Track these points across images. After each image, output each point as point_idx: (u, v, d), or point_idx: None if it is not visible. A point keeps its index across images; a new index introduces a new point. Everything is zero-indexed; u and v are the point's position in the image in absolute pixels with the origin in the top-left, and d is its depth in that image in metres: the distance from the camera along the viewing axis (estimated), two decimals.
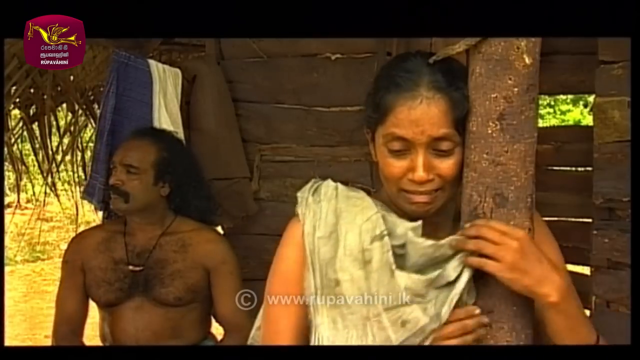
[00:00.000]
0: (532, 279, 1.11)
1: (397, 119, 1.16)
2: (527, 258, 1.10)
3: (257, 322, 1.43)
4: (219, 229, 2.61)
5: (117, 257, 2.20)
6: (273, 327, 1.28)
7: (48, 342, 2.40)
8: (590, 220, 1.87)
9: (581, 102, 8.84)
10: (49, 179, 3.33)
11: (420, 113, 1.14)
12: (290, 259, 1.27)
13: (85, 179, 3.47)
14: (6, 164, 3.19)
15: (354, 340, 1.18)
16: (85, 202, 3.51)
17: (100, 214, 2.61)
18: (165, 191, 2.23)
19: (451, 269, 1.15)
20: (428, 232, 1.23)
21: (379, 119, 1.20)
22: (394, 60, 1.29)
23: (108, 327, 2.22)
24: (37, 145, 3.27)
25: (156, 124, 2.43)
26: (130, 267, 2.18)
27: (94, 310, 2.29)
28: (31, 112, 3.19)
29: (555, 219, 2.12)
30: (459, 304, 1.15)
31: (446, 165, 1.17)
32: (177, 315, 2.19)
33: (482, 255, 1.12)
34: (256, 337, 1.42)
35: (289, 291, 1.26)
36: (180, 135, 2.50)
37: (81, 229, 3.10)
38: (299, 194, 1.29)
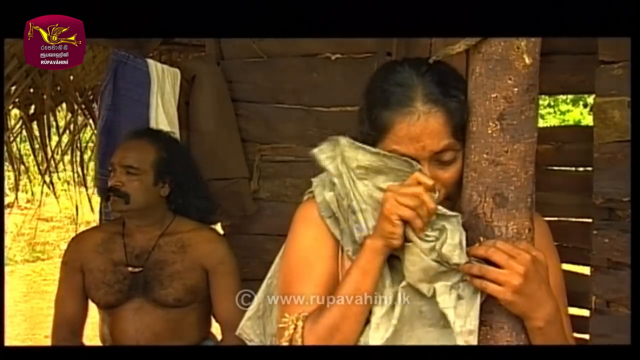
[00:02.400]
0: (529, 304, 1.12)
1: (396, 137, 1.16)
2: (529, 284, 1.11)
3: (248, 312, 1.43)
4: (219, 228, 2.61)
5: (116, 258, 2.20)
6: (296, 309, 1.25)
7: (48, 342, 2.40)
8: (590, 220, 1.86)
9: (581, 102, 8.85)
10: (48, 179, 3.33)
11: (420, 129, 1.14)
12: (308, 235, 1.27)
13: (84, 179, 3.48)
14: (6, 163, 3.19)
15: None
16: (84, 202, 3.53)
17: (97, 211, 2.61)
18: (165, 191, 2.22)
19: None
20: None
21: (377, 136, 1.19)
22: (382, 72, 1.25)
23: (108, 328, 2.22)
24: (37, 146, 3.27)
25: (153, 124, 2.43)
26: (130, 269, 2.18)
27: (93, 311, 2.28)
28: (31, 111, 3.19)
29: (555, 219, 2.12)
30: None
31: (449, 174, 1.18)
32: (177, 316, 2.18)
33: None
34: (245, 327, 1.42)
35: (309, 265, 1.25)
36: (177, 135, 2.50)
37: (81, 229, 3.10)
38: (314, 179, 1.30)
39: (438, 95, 1.15)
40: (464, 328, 1.14)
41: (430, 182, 1.13)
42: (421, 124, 1.14)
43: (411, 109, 1.15)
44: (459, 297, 1.15)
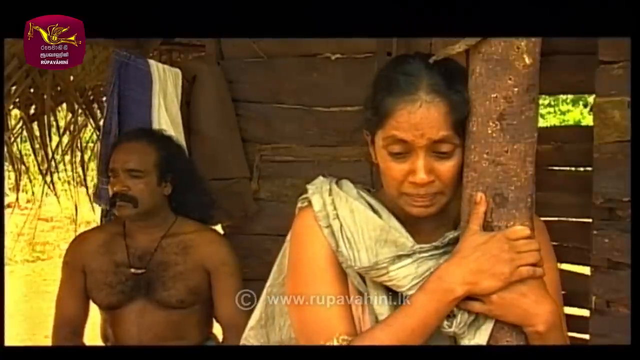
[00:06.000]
0: (518, 314, 1.12)
1: (397, 122, 1.16)
2: (506, 295, 1.11)
3: (251, 322, 1.42)
4: (219, 229, 2.61)
5: (119, 259, 2.20)
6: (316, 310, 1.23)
7: (48, 342, 2.40)
8: (590, 220, 1.86)
9: (581, 102, 8.85)
10: (48, 179, 3.33)
11: (420, 117, 1.14)
12: (315, 242, 1.24)
13: (84, 179, 3.48)
14: (6, 163, 3.19)
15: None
16: (84, 202, 3.53)
17: (99, 214, 2.61)
18: (167, 190, 2.23)
19: None
20: (430, 232, 1.24)
21: (378, 121, 1.19)
22: (393, 62, 1.27)
23: (110, 328, 2.22)
24: (37, 146, 3.27)
25: (155, 125, 2.43)
26: (132, 270, 2.17)
27: (94, 311, 2.28)
28: (31, 111, 3.19)
29: (556, 219, 2.12)
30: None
31: (446, 168, 1.17)
32: (180, 317, 2.18)
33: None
34: (249, 337, 1.41)
35: (322, 270, 1.23)
36: (181, 135, 2.50)
37: (81, 229, 3.10)
38: (309, 186, 1.30)
39: (442, 86, 1.15)
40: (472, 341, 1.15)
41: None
42: (422, 112, 1.14)
43: (414, 97, 1.15)
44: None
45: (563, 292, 1.35)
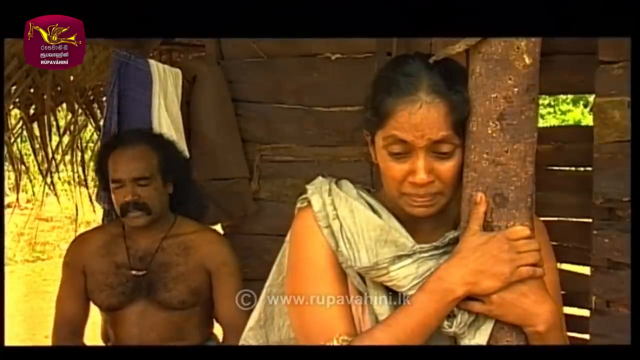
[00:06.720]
0: (518, 314, 1.13)
1: (397, 123, 1.16)
2: (506, 295, 1.12)
3: (250, 322, 1.42)
4: (219, 228, 2.61)
5: (119, 261, 2.19)
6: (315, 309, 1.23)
7: (48, 342, 2.40)
8: (590, 220, 1.87)
9: (581, 102, 8.85)
10: (49, 179, 3.33)
11: (421, 118, 1.14)
12: (315, 243, 1.24)
13: (85, 179, 3.49)
14: (6, 163, 3.19)
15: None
16: (84, 202, 3.53)
17: (100, 214, 2.61)
18: (170, 189, 2.23)
19: None
20: (430, 232, 1.24)
21: (378, 122, 1.19)
22: (393, 63, 1.27)
23: (111, 329, 2.21)
24: (37, 146, 3.27)
25: (155, 125, 2.42)
26: (133, 272, 2.17)
27: (95, 311, 2.28)
28: (31, 111, 3.19)
29: (555, 219, 2.12)
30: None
31: (446, 168, 1.17)
32: (181, 318, 2.18)
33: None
34: (248, 338, 1.41)
35: (322, 270, 1.23)
36: (181, 135, 2.50)
37: (81, 229, 3.10)
38: (308, 186, 1.29)
39: (442, 87, 1.15)
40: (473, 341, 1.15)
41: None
42: (422, 113, 1.14)
43: (414, 97, 1.15)
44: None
45: (563, 292, 1.35)
